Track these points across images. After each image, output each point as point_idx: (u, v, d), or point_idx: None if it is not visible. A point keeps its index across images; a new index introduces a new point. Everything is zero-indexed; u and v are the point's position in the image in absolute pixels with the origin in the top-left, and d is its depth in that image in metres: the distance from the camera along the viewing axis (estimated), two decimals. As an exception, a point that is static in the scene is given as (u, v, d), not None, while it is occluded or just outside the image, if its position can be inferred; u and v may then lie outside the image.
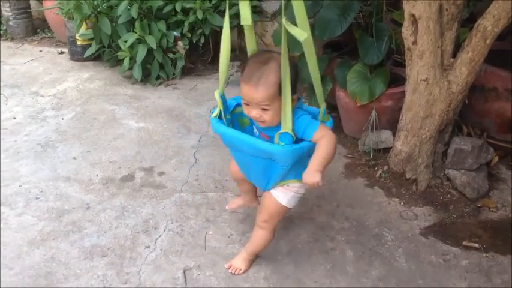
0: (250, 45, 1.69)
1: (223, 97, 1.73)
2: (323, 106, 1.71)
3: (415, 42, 2.14)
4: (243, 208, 2.21)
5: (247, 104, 1.59)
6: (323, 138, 1.56)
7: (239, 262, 1.90)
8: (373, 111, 2.53)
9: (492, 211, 2.24)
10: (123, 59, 3.46)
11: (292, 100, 1.54)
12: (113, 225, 2.14)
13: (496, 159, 2.52)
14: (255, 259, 1.94)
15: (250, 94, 1.55)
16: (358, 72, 2.58)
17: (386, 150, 2.55)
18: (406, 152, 2.35)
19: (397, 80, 2.62)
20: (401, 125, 2.36)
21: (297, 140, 1.59)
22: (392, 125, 2.56)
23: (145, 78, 3.56)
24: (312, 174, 1.50)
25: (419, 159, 2.32)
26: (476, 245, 2.03)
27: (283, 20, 1.47)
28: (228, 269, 1.90)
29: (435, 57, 2.13)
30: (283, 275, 1.89)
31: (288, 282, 1.86)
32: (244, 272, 1.90)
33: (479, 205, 2.26)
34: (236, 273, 1.89)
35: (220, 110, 1.71)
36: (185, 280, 1.86)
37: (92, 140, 2.81)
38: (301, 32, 1.46)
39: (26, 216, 2.18)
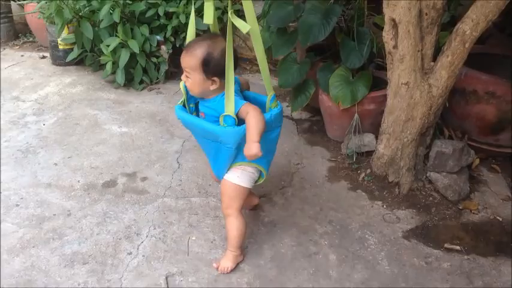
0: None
1: (186, 87, 1.86)
2: (271, 93, 1.87)
3: (395, 46, 2.15)
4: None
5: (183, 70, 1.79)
6: (249, 114, 1.69)
7: (225, 261, 1.92)
8: (356, 115, 2.54)
9: (474, 213, 2.26)
10: (106, 63, 3.43)
11: (214, 81, 1.75)
12: (95, 231, 2.12)
13: (477, 161, 2.55)
14: (241, 259, 1.96)
15: (181, 59, 1.77)
16: (341, 76, 2.59)
17: (369, 153, 2.57)
18: (388, 155, 2.36)
19: (380, 83, 2.64)
20: (383, 129, 2.37)
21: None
22: (375, 129, 2.57)
23: (129, 82, 3.54)
24: (249, 147, 1.65)
25: (401, 162, 2.33)
26: (458, 247, 2.05)
27: (229, 13, 1.65)
28: (217, 269, 1.91)
29: (415, 61, 2.14)
30: (267, 280, 1.88)
31: (270, 287, 1.85)
32: (232, 269, 1.90)
33: (460, 207, 2.28)
34: (224, 272, 1.90)
35: (184, 99, 1.88)
36: (167, 286, 1.84)
37: (74, 146, 2.78)
38: (245, 25, 1.65)
39: (5, 223, 2.14)
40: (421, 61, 2.17)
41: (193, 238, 2.09)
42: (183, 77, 1.80)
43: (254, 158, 1.65)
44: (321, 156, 2.71)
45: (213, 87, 1.77)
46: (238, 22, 1.65)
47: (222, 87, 1.72)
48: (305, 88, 2.74)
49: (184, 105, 1.89)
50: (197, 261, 1.96)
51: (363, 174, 2.48)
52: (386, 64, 2.61)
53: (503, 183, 2.48)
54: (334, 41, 2.80)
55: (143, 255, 1.99)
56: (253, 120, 1.68)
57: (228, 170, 1.87)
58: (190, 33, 1.85)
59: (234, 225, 1.89)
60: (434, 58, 2.21)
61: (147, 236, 2.09)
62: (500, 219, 2.23)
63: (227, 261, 1.91)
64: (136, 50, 3.33)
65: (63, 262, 1.95)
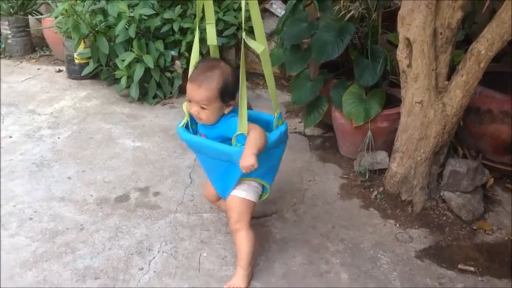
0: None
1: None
2: (277, 112, 1.91)
3: (409, 65, 2.15)
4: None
5: (190, 101, 1.79)
6: (251, 130, 1.73)
7: (237, 280, 1.90)
8: (369, 132, 2.54)
9: (488, 234, 2.24)
10: (121, 77, 3.47)
11: (230, 105, 1.80)
12: (107, 246, 2.13)
13: (492, 181, 2.52)
14: (251, 276, 1.95)
15: (192, 93, 1.76)
16: (354, 93, 2.59)
17: (382, 171, 2.55)
18: (402, 173, 2.35)
19: (394, 101, 2.63)
20: (396, 147, 2.36)
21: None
22: (388, 146, 2.57)
23: (143, 97, 3.58)
24: (246, 158, 1.66)
25: (414, 181, 2.31)
26: (472, 269, 2.02)
27: (243, 35, 1.69)
28: None
29: (430, 80, 2.14)
30: (278, 299, 1.87)
31: (282, 306, 1.84)
32: None
33: (474, 227, 2.26)
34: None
35: (188, 121, 1.89)
36: (178, 303, 1.84)
37: (88, 160, 2.80)
38: (259, 45, 1.70)
39: (19, 237, 2.16)
40: (435, 80, 2.17)
41: (205, 254, 2.09)
42: (194, 109, 1.78)
43: (249, 169, 1.67)
44: (333, 173, 2.71)
45: (228, 110, 1.81)
46: (252, 43, 1.70)
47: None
48: (318, 105, 2.74)
49: (186, 127, 1.91)
50: (208, 278, 1.96)
51: (375, 192, 2.47)
52: (400, 81, 2.62)
53: (519, 204, 2.45)
54: (347, 58, 2.81)
55: (154, 271, 1.99)
56: (254, 135, 1.72)
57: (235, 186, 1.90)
58: (195, 56, 1.86)
59: (244, 240, 1.89)
60: (449, 77, 2.20)
61: (158, 252, 2.09)
62: (515, 240, 2.20)
63: (239, 281, 1.89)
64: (151, 65, 3.36)
65: (75, 277, 1.96)
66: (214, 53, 1.93)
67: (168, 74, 3.59)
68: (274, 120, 1.92)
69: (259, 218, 2.32)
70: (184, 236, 2.19)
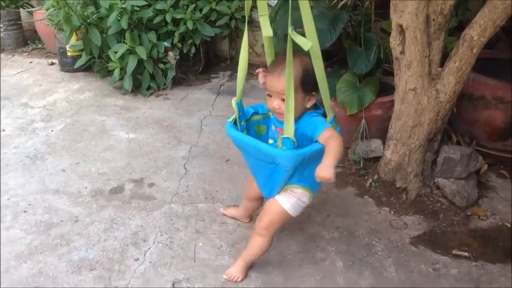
0: (269, 55, 1.81)
1: (239, 104, 1.80)
2: (331, 115, 1.78)
3: (402, 52, 2.15)
4: (233, 219, 2.23)
5: (270, 96, 1.70)
6: (331, 138, 1.60)
7: (236, 270, 1.90)
8: (363, 121, 2.53)
9: (482, 219, 2.25)
10: (114, 70, 3.45)
11: (312, 97, 1.70)
12: (102, 238, 2.13)
13: (486, 167, 2.53)
14: (250, 268, 1.94)
15: (272, 83, 1.66)
16: (348, 81, 2.59)
17: (377, 159, 2.56)
18: (396, 161, 2.35)
19: (387, 89, 2.63)
20: (390, 134, 2.36)
21: (305, 139, 1.66)
22: (382, 134, 2.56)
23: (136, 88, 3.56)
24: (325, 169, 1.52)
25: (408, 168, 2.32)
26: (466, 254, 2.03)
27: (290, 30, 1.54)
28: (226, 278, 1.90)
29: (423, 67, 2.13)
30: (273, 287, 1.87)
31: (277, 294, 1.85)
32: (242, 280, 1.89)
33: (469, 213, 2.26)
34: (234, 280, 1.89)
35: (236, 117, 1.80)
36: (174, 292, 1.84)
37: (82, 152, 2.79)
38: (306, 41, 1.54)
39: (13, 229, 2.16)
40: (429, 67, 2.16)
41: (200, 244, 2.09)
42: (276, 103, 1.66)
43: (324, 180, 1.53)
44: (328, 162, 2.70)
45: (310, 103, 1.70)
46: (299, 39, 1.54)
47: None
48: (312, 94, 2.73)
49: (235, 123, 1.81)
50: (204, 268, 1.96)
51: (370, 180, 2.47)
52: (393, 69, 2.61)
53: (512, 189, 2.47)
54: (341, 46, 2.80)
55: (150, 262, 1.99)
56: (336, 145, 1.58)
57: (280, 191, 1.80)
58: (243, 59, 1.72)
59: (262, 246, 1.87)
60: (442, 64, 2.20)
61: (154, 243, 2.09)
62: (509, 226, 2.20)
63: (239, 272, 1.89)
64: (144, 57, 3.35)
65: (70, 268, 1.95)
66: (269, 45, 1.80)
67: (162, 66, 3.57)
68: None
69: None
70: (179, 227, 2.19)
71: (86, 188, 2.47)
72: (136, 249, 2.05)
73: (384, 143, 2.51)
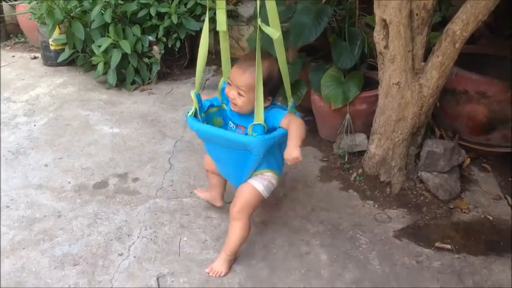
0: (224, 50, 1.92)
1: (198, 97, 1.87)
2: (291, 101, 1.90)
3: (386, 47, 2.16)
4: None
5: (229, 85, 1.78)
6: (292, 121, 1.73)
7: (219, 265, 1.90)
8: (347, 115, 2.55)
9: (464, 212, 2.27)
10: (97, 64, 3.42)
11: (267, 100, 1.77)
12: (85, 233, 2.11)
13: (468, 161, 2.56)
14: (234, 261, 1.95)
15: (235, 75, 1.75)
16: (332, 76, 2.59)
17: (361, 153, 2.57)
18: (380, 155, 2.37)
19: (372, 83, 2.64)
20: (374, 129, 2.37)
21: (268, 131, 1.76)
22: (367, 129, 2.58)
23: (120, 83, 3.53)
24: (291, 151, 1.64)
25: (392, 162, 2.34)
26: (449, 246, 2.06)
27: (259, 21, 1.63)
28: (209, 273, 1.89)
29: (406, 62, 2.15)
30: (258, 280, 1.88)
31: (262, 287, 1.85)
32: (225, 274, 1.89)
33: (451, 206, 2.29)
34: (217, 275, 1.88)
35: (196, 109, 1.85)
36: (158, 287, 1.83)
37: (65, 147, 2.76)
38: (274, 31, 1.66)
39: (-5, 225, 2.13)
40: (412, 61, 2.17)
41: (185, 239, 2.08)
42: (232, 93, 1.76)
43: (294, 162, 1.65)
44: (313, 156, 2.72)
45: (265, 104, 1.75)
46: (267, 29, 1.64)
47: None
48: (297, 88, 2.73)
49: (195, 116, 1.86)
50: (188, 262, 1.96)
51: (354, 174, 2.49)
52: (377, 64, 2.62)
53: (494, 182, 2.49)
54: (325, 41, 2.80)
55: (134, 256, 1.98)
56: (296, 126, 1.71)
57: (251, 176, 1.88)
58: (203, 50, 1.81)
59: (239, 231, 1.88)
60: (425, 58, 2.21)
61: (138, 237, 2.08)
62: (491, 218, 2.23)
63: (221, 266, 1.90)
64: (128, 51, 3.32)
65: (53, 263, 1.94)
66: (224, 40, 1.90)
67: (146, 60, 3.54)
68: (288, 109, 1.89)
69: (239, 201, 2.32)
70: (164, 221, 2.18)
71: (69, 183, 2.44)
72: (121, 244, 2.04)
73: (368, 138, 2.53)
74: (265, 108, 1.75)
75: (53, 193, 2.36)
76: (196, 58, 1.84)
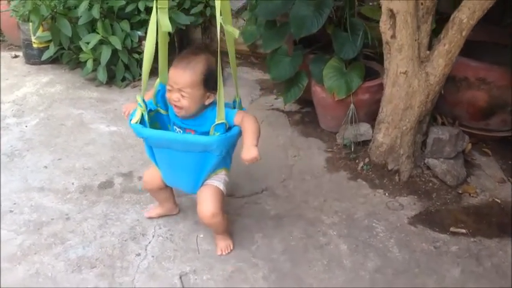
0: (163, 50, 1.81)
1: (150, 101, 1.82)
2: (239, 98, 1.88)
3: (393, 36, 2.17)
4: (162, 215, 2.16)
5: (170, 90, 1.71)
6: (245, 119, 1.72)
7: (223, 242, 1.95)
8: (352, 105, 2.56)
9: (472, 196, 2.32)
10: (86, 61, 3.32)
11: (211, 95, 1.73)
12: (98, 234, 2.05)
13: (470, 146, 2.61)
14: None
15: (175, 78, 1.68)
16: (334, 67, 2.60)
17: (366, 142, 2.59)
18: (388, 143, 2.39)
19: (370, 73, 2.66)
20: (381, 118, 2.39)
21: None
22: (370, 118, 2.61)
23: (110, 80, 3.44)
24: (249, 151, 1.64)
25: (400, 150, 2.36)
26: (463, 231, 2.09)
27: (220, 20, 1.60)
28: (222, 253, 1.93)
29: (413, 50, 2.17)
30: (282, 274, 1.87)
31: (287, 280, 1.84)
32: (233, 247, 1.97)
33: (460, 191, 2.33)
34: (229, 250, 1.95)
35: (143, 114, 1.76)
36: (183, 286, 1.80)
37: (62, 147, 2.68)
38: (235, 30, 1.65)
39: (1, 230, 2.05)
40: (418, 50, 2.20)
41: (201, 236, 2.05)
42: (175, 96, 1.69)
43: (253, 161, 1.63)
44: (316, 147, 2.72)
45: (208, 101, 1.74)
46: (229, 28, 1.64)
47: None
48: (298, 80, 2.73)
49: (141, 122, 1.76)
50: (209, 259, 1.93)
51: (361, 164, 2.50)
52: (374, 54, 2.65)
53: (496, 166, 2.55)
54: (323, 32, 2.80)
55: (153, 256, 1.94)
56: (251, 124, 1.70)
57: (208, 178, 1.85)
58: (149, 50, 1.72)
59: (224, 225, 1.91)
60: (429, 47, 2.24)
61: (153, 236, 2.04)
62: (499, 201, 2.29)
63: (225, 242, 1.95)
64: (119, 47, 3.24)
65: (69, 267, 1.88)
66: (163, 42, 1.79)
67: (136, 56, 3.46)
68: (237, 106, 1.87)
69: (251, 196, 2.30)
70: (177, 219, 2.14)
71: (72, 184, 2.37)
72: (136, 244, 2.00)
73: (372, 127, 2.54)
74: (209, 105, 1.75)
75: (57, 195, 2.29)
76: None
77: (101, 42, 3.30)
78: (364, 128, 2.59)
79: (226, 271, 1.87)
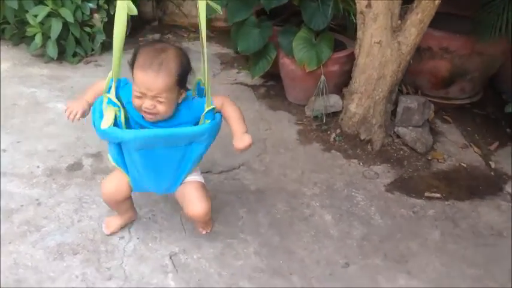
0: (120, 39, 1.48)
1: (122, 83, 1.59)
2: (208, 84, 1.59)
3: (368, 6, 2.18)
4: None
5: (140, 97, 1.47)
6: (225, 104, 1.60)
7: (204, 225, 1.86)
8: (322, 76, 2.56)
9: (440, 162, 2.42)
10: (34, 35, 3.09)
11: (183, 94, 1.56)
12: (75, 219, 1.95)
13: (432, 114, 2.71)
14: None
15: (147, 83, 1.44)
16: (304, 38, 2.58)
17: (336, 114, 2.62)
18: (360, 114, 2.42)
19: (336, 45, 2.67)
20: (354, 88, 2.41)
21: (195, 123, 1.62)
22: (338, 89, 2.63)
23: (60, 55, 3.23)
24: (242, 139, 1.53)
25: (373, 120, 2.41)
26: (437, 195, 2.19)
27: None
28: (206, 232, 1.87)
29: (387, 20, 2.19)
30: (272, 247, 1.87)
31: (278, 253, 1.85)
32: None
33: (429, 158, 2.43)
34: (209, 230, 1.88)
35: (118, 116, 1.52)
36: (174, 266, 1.76)
37: (19, 129, 2.50)
38: (217, 6, 1.59)
39: (-34, 221, 1.90)
40: (390, 20, 2.22)
41: (184, 214, 2.01)
42: (149, 104, 1.47)
43: (247, 149, 1.53)
44: (286, 120, 2.72)
45: (181, 98, 1.57)
46: (212, 4, 1.53)
47: None
48: (266, 53, 2.70)
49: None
50: (196, 238, 1.89)
51: (333, 135, 2.53)
52: (337, 26, 2.65)
53: (457, 132, 2.68)
54: (289, 3, 2.76)
55: (138, 238, 1.88)
56: (234, 110, 1.60)
57: (187, 175, 1.71)
58: (121, 24, 1.44)
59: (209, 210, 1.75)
60: (400, 17, 2.27)
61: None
62: (465, 166, 2.41)
63: (207, 224, 1.87)
64: (70, 19, 3.03)
65: (50, 255, 1.78)
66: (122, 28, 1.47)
67: (88, 29, 3.27)
68: (207, 88, 1.61)
69: (228, 171, 2.27)
70: (157, 198, 2.07)
71: (38, 167, 2.23)
72: (118, 227, 1.92)
73: (342, 98, 2.57)
74: (183, 101, 1.58)
75: (22, 180, 2.14)
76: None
77: (49, 15, 3.08)
78: (334, 99, 2.61)
79: (216, 248, 1.85)
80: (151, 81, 1.44)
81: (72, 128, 2.51)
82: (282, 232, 1.95)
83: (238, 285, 1.72)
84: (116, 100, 1.51)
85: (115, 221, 1.89)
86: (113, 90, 1.52)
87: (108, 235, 1.87)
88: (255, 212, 2.04)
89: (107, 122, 1.49)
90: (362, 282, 1.76)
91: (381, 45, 2.23)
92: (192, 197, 1.70)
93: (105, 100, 1.53)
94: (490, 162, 2.47)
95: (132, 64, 1.53)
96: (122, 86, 1.59)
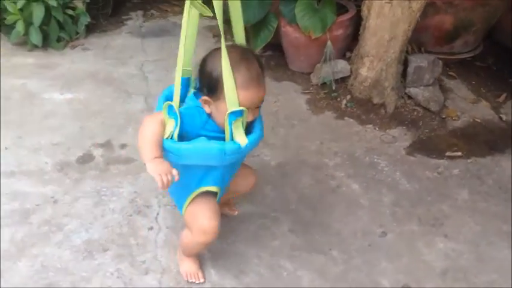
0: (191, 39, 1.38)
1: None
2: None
3: (377, -36, 2.11)
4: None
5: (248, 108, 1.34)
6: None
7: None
8: (329, 42, 2.49)
9: (455, 119, 2.40)
10: (15, 22, 2.91)
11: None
12: (97, 214, 1.87)
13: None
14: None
15: (254, 100, 1.33)
16: (306, 4, 2.49)
17: (344, 79, 2.56)
18: (372, 77, 2.37)
19: (338, 8, 2.59)
20: (365, 51, 2.35)
21: None
22: (341, 54, 2.57)
23: (44, 42, 3.06)
24: None
25: (385, 83, 2.36)
26: (459, 153, 2.18)
27: None
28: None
29: (397, -22, 2.13)
30: (306, 223, 1.84)
31: (313, 229, 1.81)
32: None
33: (443, 116, 2.40)
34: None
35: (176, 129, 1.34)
36: (210, 252, 1.71)
37: (18, 124, 2.36)
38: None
39: (-18, 228, 1.80)
40: (400, -23, 2.16)
41: (209, 198, 1.94)
42: (252, 117, 1.37)
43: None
44: (293, 90, 2.65)
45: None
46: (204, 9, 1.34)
47: None
48: (267, 22, 2.60)
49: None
50: (226, 221, 1.82)
51: (344, 101, 2.48)
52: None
53: (465, 88, 2.66)
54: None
55: (167, 227, 1.81)
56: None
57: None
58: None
59: None
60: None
61: (159, 207, 1.90)
62: (479, 121, 2.40)
63: (194, 265, 1.66)
64: (53, 3, 2.86)
65: (78, 255, 1.70)
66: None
67: (70, 12, 3.09)
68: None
69: (245, 148, 2.20)
70: (178, 184, 2.00)
71: (46, 163, 2.12)
72: (144, 218, 1.85)
73: (348, 62, 2.51)
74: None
75: (32, 178, 2.03)
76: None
77: (28, 0, 2.90)
78: (341, 64, 2.55)
79: (250, 231, 1.80)
80: (256, 97, 1.33)
81: (73, 118, 2.41)
82: (313, 207, 1.91)
83: (280, 265, 1.68)
84: (176, 110, 1.33)
85: (195, 266, 1.65)
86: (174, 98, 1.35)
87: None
88: (281, 188, 1.99)
89: (166, 135, 1.35)
90: (402, 250, 1.74)
91: (392, 5, 2.17)
92: (244, 171, 1.64)
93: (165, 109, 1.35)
94: (501, 115, 2.46)
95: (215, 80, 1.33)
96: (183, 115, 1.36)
